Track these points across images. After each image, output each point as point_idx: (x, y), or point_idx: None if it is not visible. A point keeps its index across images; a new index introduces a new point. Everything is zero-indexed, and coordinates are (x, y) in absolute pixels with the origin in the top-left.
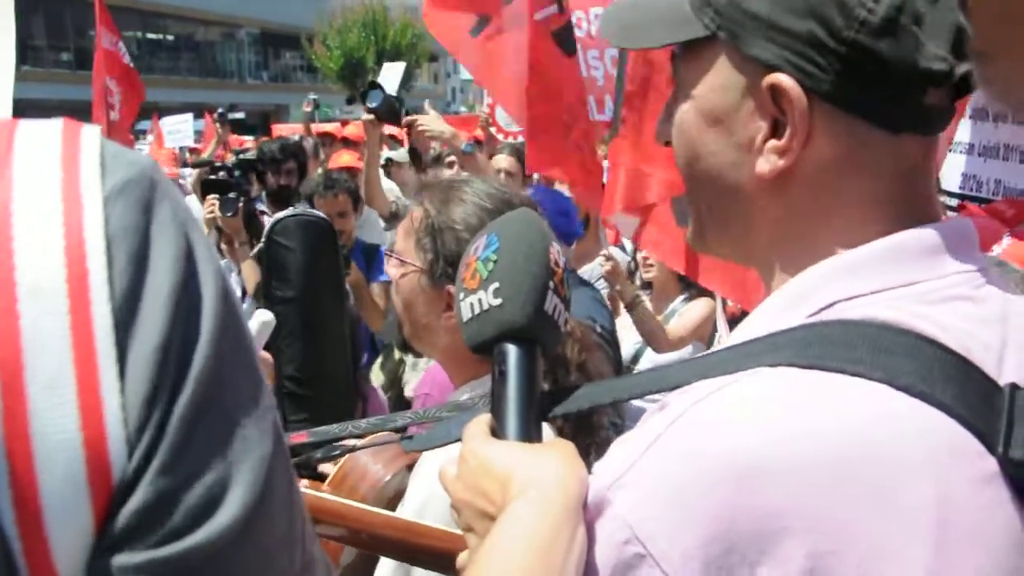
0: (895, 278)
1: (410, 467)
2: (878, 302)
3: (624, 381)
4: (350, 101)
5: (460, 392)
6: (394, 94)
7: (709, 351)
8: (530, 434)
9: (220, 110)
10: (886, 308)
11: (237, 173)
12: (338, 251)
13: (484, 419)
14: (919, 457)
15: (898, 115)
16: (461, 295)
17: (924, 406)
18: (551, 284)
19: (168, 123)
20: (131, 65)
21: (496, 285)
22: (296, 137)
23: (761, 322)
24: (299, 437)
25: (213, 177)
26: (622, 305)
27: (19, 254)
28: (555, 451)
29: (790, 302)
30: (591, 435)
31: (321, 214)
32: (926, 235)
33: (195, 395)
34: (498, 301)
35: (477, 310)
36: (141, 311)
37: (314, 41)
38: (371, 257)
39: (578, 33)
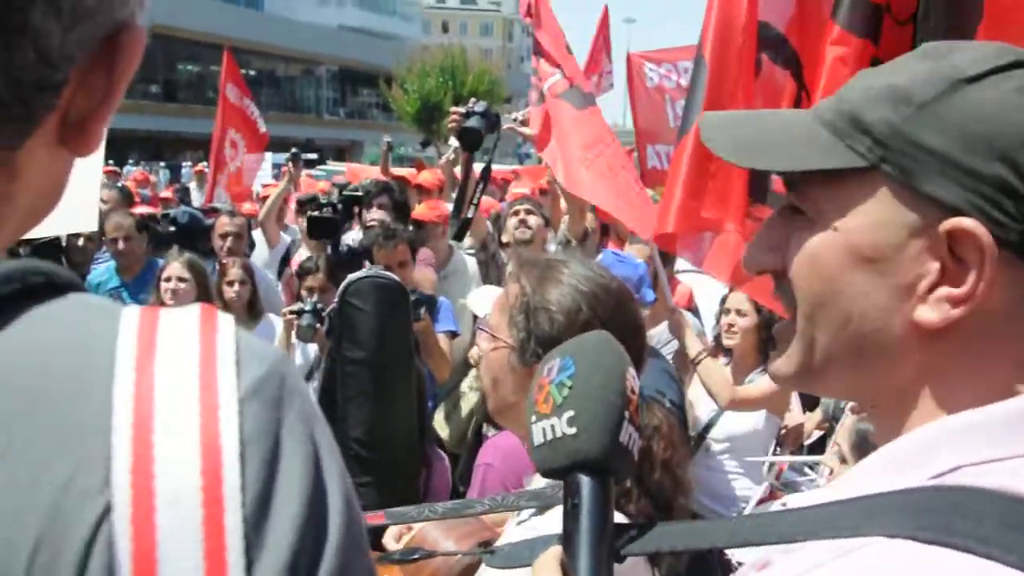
0: None
1: (482, 544)
2: (1011, 471)
3: (713, 526)
4: (425, 144)
5: (538, 478)
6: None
7: (816, 502)
8: (600, 574)
9: (293, 150)
10: (1021, 479)
11: (340, 207)
12: (410, 314)
13: (555, 553)
14: None
15: None
16: (533, 418)
17: None
18: (627, 414)
19: (248, 160)
20: (256, 119)
21: (571, 413)
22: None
23: (877, 474)
24: (376, 518)
25: (318, 215)
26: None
27: (159, 462)
28: None
29: (912, 457)
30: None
31: (395, 277)
32: None
33: None
34: (572, 430)
35: (550, 436)
36: (271, 522)
37: (392, 84)
38: (431, 307)
39: (667, 84)
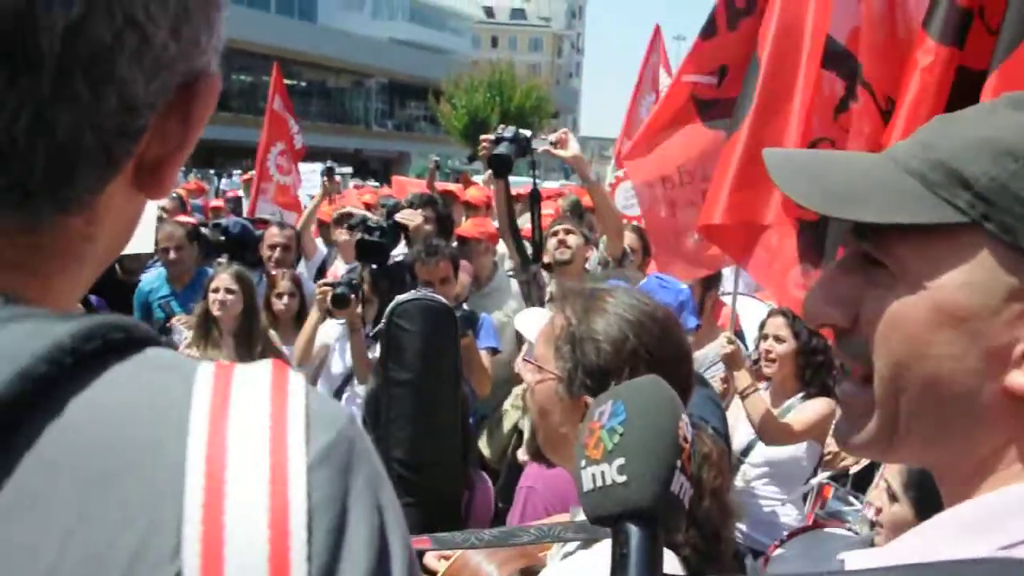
0: None
1: (524, 570)
2: None
3: None
4: (471, 159)
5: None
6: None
7: (879, 566)
8: None
9: (328, 163)
10: None
11: (388, 230)
12: (457, 337)
13: None
14: None
15: None
16: (583, 463)
17: None
18: (679, 463)
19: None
20: (295, 135)
21: (621, 461)
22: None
23: (945, 537)
24: (421, 543)
25: (367, 238)
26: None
27: (229, 530)
28: None
29: (981, 523)
30: (719, 560)
31: (442, 299)
32: None
33: None
34: (623, 479)
35: (600, 483)
36: None
37: (440, 99)
38: (473, 324)
39: None
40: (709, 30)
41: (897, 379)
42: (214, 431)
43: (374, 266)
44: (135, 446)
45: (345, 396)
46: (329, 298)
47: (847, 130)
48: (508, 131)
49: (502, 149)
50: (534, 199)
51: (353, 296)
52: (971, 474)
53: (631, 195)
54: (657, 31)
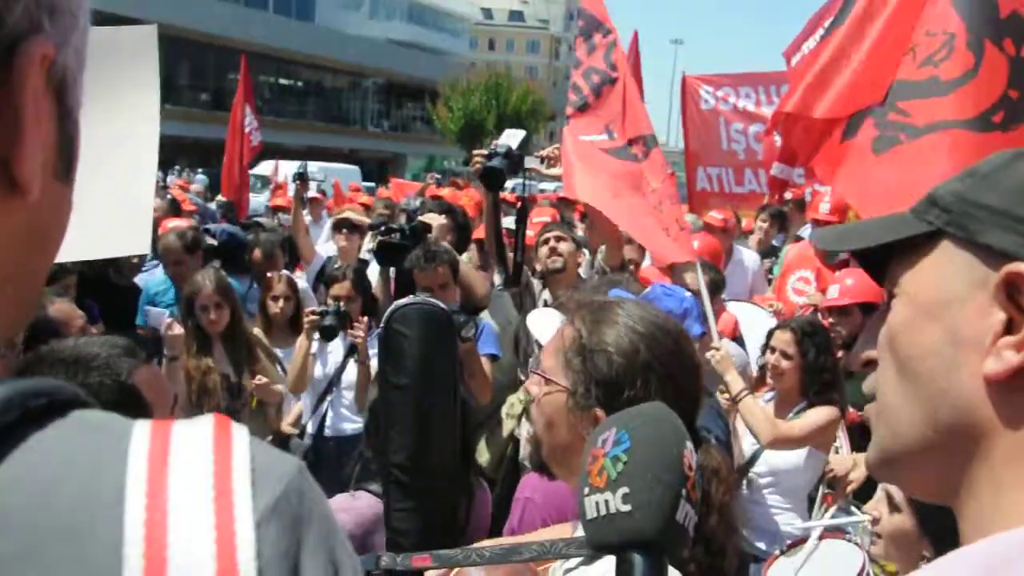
0: None
1: None
2: None
3: None
4: (467, 163)
5: None
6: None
7: None
8: None
9: (298, 168)
10: None
11: (409, 233)
12: (455, 342)
13: None
14: None
15: None
16: (586, 490)
17: None
18: (684, 491)
19: (285, 167)
20: (252, 131)
21: (625, 490)
22: (413, 199)
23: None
24: (422, 560)
25: (389, 240)
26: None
27: None
28: None
29: (1003, 559)
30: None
31: (441, 304)
32: None
33: None
34: (627, 508)
35: (603, 512)
36: None
37: (436, 102)
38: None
39: (723, 107)
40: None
41: (892, 386)
42: (153, 495)
43: (394, 274)
44: (62, 521)
45: (328, 401)
46: (318, 333)
47: None
48: (502, 147)
49: (496, 163)
50: (523, 218)
51: (342, 329)
52: (972, 476)
53: None
54: (635, 39)
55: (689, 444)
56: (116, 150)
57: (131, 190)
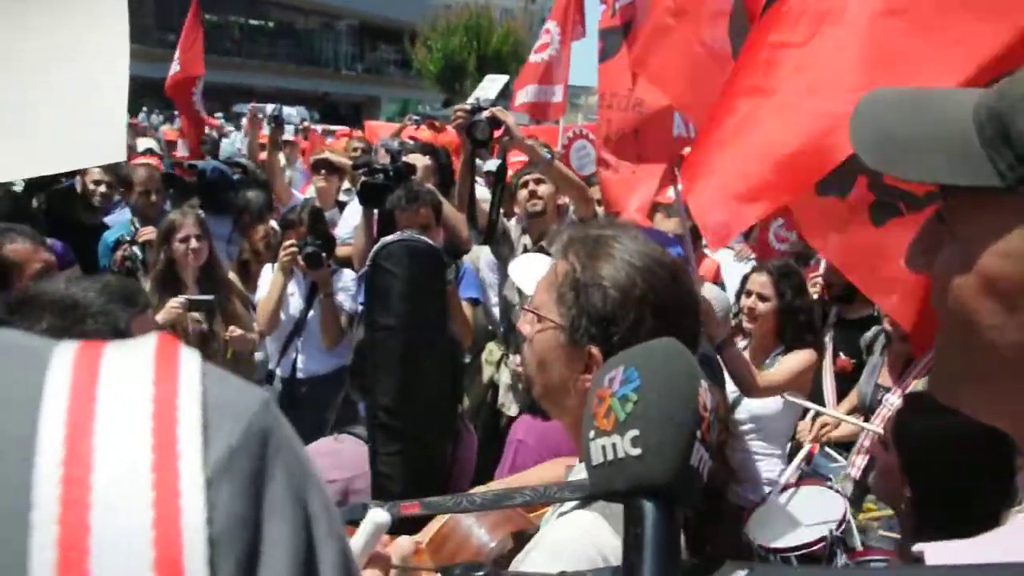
0: None
1: (515, 534)
2: None
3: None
4: (446, 104)
5: (581, 469)
6: (491, 101)
7: (941, 564)
8: None
9: (272, 112)
10: None
11: (393, 171)
12: (444, 280)
13: None
14: None
15: None
16: (591, 433)
17: None
18: (698, 433)
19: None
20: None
21: (635, 432)
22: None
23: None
24: (410, 508)
25: (371, 180)
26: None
27: (98, 570)
28: None
29: None
30: (719, 521)
31: (429, 240)
32: None
33: None
34: (637, 451)
35: (611, 456)
36: None
37: (416, 42)
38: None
39: None
40: None
41: (950, 336)
42: (72, 445)
43: (377, 214)
44: None
45: (297, 342)
46: (301, 258)
47: None
48: (485, 101)
49: (478, 135)
50: (501, 178)
51: (324, 254)
52: None
53: (583, 154)
54: None
55: (703, 382)
56: (87, 62)
57: (104, 100)
